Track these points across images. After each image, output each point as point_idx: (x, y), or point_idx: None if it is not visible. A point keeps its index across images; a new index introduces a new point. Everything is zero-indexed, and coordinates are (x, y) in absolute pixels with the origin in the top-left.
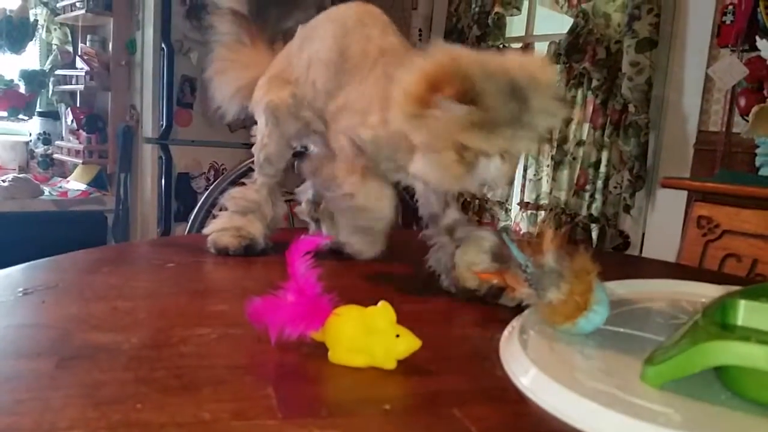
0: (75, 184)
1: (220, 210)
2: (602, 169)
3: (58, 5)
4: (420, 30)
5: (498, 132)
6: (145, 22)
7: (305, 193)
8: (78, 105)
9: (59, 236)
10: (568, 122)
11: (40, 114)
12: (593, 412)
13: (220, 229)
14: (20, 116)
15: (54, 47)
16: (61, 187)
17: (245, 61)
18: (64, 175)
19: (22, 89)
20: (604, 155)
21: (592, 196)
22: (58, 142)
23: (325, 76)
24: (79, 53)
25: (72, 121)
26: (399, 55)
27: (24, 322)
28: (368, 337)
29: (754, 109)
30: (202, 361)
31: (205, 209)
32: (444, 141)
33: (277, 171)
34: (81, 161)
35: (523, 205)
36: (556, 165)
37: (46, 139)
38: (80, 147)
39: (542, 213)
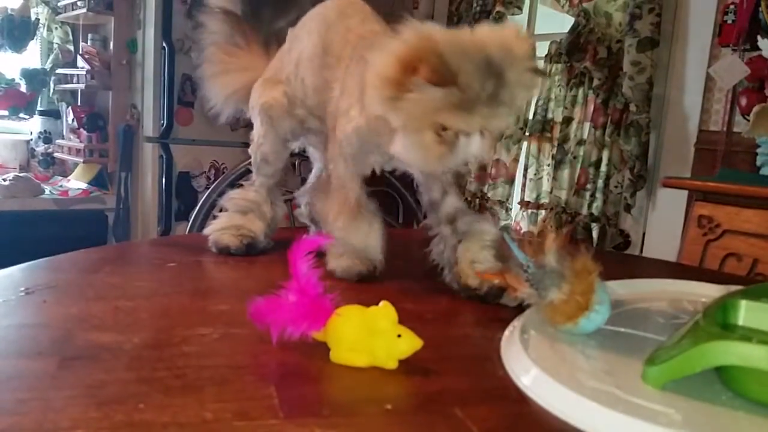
0: (76, 183)
1: (220, 211)
2: (603, 168)
3: (59, 4)
4: None
5: (476, 110)
6: (146, 21)
7: (304, 196)
8: (79, 104)
9: (60, 235)
10: (569, 121)
11: (41, 113)
12: (594, 412)
13: (220, 229)
14: (21, 115)
15: (55, 46)
16: (61, 186)
17: (241, 64)
18: (65, 174)
19: (23, 88)
20: (605, 154)
21: (592, 195)
22: (58, 141)
23: (311, 73)
24: (80, 52)
25: (73, 120)
26: (367, 42)
27: (25, 321)
28: (370, 337)
29: (755, 109)
30: (204, 360)
31: (205, 209)
32: (423, 122)
33: (275, 171)
34: (82, 160)
35: (524, 204)
36: (557, 164)
37: (46, 137)
38: (81, 146)
39: (543, 212)
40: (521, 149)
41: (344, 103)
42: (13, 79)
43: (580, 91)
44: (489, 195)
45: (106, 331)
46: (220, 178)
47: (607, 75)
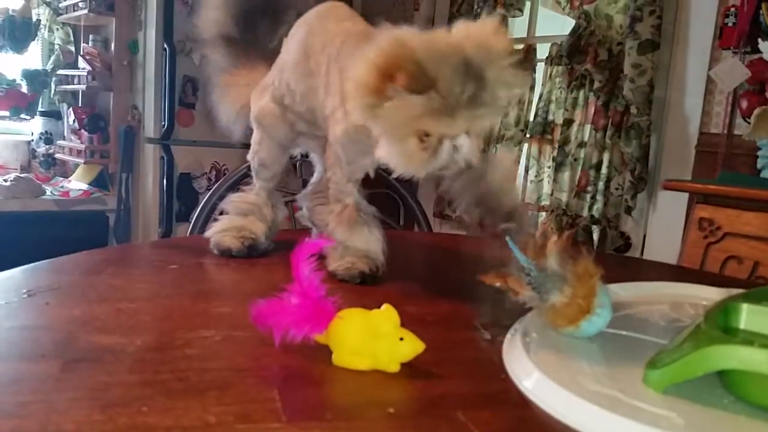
0: (76, 183)
1: (221, 214)
2: (603, 170)
3: (60, 5)
4: None
5: (458, 114)
6: (147, 23)
7: (306, 199)
8: (80, 105)
9: (60, 236)
10: (569, 123)
11: (42, 114)
12: (596, 415)
13: (221, 231)
14: (22, 116)
15: (56, 47)
16: (62, 186)
17: (244, 81)
18: (66, 175)
19: (25, 89)
20: (606, 157)
21: (593, 197)
22: (59, 142)
23: (296, 79)
24: (82, 53)
25: (74, 120)
26: (352, 41)
27: (28, 323)
28: (372, 340)
29: (756, 111)
30: (206, 363)
31: (206, 210)
32: (404, 130)
33: (274, 174)
34: (83, 161)
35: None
36: (558, 166)
37: (48, 138)
38: (82, 147)
39: (543, 214)
40: (522, 151)
41: (329, 105)
42: (15, 80)
43: (581, 93)
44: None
45: (108, 334)
46: (221, 180)
47: (607, 77)
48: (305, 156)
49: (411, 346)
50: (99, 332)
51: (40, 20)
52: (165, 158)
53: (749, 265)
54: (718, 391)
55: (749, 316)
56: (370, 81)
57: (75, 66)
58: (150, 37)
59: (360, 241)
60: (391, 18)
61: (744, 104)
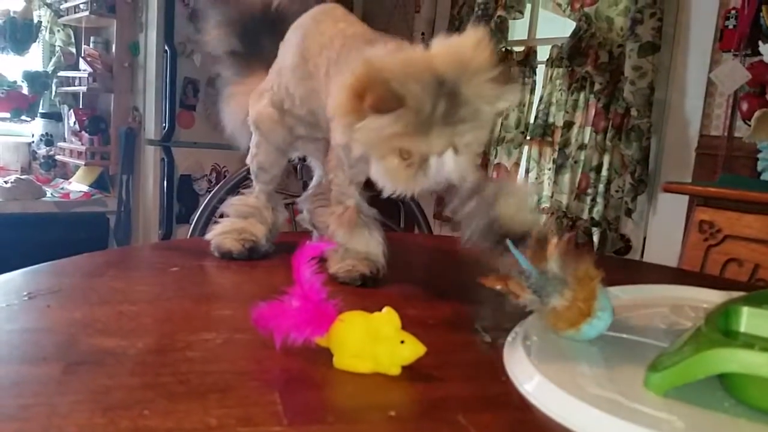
0: (77, 185)
1: (221, 217)
2: (604, 172)
3: (61, 7)
4: (423, 33)
5: (434, 131)
6: (148, 24)
7: (306, 202)
8: (81, 106)
9: (61, 238)
10: (570, 126)
11: (43, 115)
12: (597, 418)
13: (222, 233)
14: (23, 117)
15: (57, 49)
16: (63, 188)
17: (248, 90)
18: (66, 177)
19: (25, 90)
20: (606, 159)
21: (593, 199)
22: (60, 144)
23: (295, 83)
24: (82, 55)
25: (74, 122)
26: (351, 44)
27: (29, 326)
28: (373, 343)
29: (756, 114)
30: (207, 366)
31: (207, 213)
32: (381, 148)
33: (273, 177)
34: (83, 163)
35: None
36: (558, 168)
37: (48, 140)
38: (82, 148)
39: (544, 216)
40: (522, 153)
41: (330, 109)
42: (15, 82)
43: (582, 95)
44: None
45: (110, 336)
46: (222, 182)
47: (608, 79)
48: (304, 160)
49: (412, 349)
50: (100, 335)
51: (41, 22)
52: (165, 160)
53: (749, 267)
54: (719, 394)
55: (750, 319)
56: (346, 102)
57: (76, 68)
58: (151, 38)
59: (361, 244)
60: (393, 20)
61: (744, 106)
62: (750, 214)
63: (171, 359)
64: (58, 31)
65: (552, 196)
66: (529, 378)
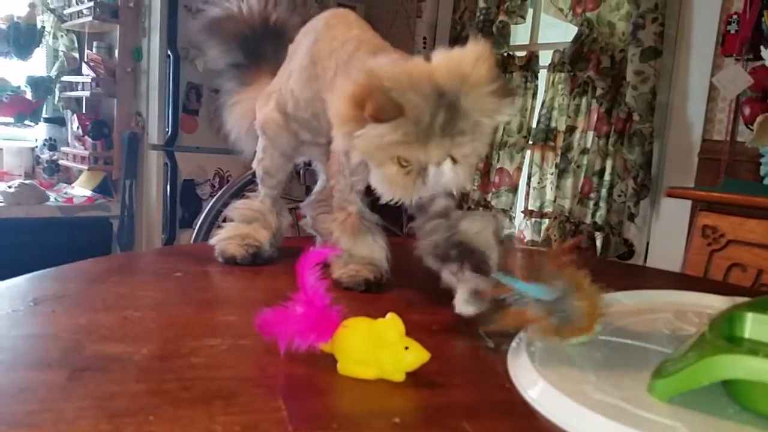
0: (80, 190)
1: (225, 221)
2: (606, 177)
3: (65, 12)
4: (424, 38)
5: (433, 142)
6: (151, 30)
7: (309, 207)
8: (84, 111)
9: (64, 242)
10: (572, 130)
11: (46, 120)
12: (601, 425)
13: (226, 238)
14: (26, 122)
15: (60, 54)
16: (66, 193)
17: (254, 96)
18: (70, 182)
19: (29, 95)
20: (609, 163)
21: (596, 204)
22: (63, 149)
23: (302, 85)
24: (86, 60)
25: (78, 127)
26: (364, 49)
27: (34, 332)
28: (377, 349)
29: (759, 119)
30: (212, 372)
31: (210, 217)
32: (379, 157)
33: (278, 182)
34: (86, 167)
35: (527, 213)
36: (561, 173)
37: (51, 145)
38: (86, 153)
39: (546, 221)
40: (524, 158)
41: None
42: (19, 87)
43: (584, 100)
44: (492, 203)
45: (114, 342)
46: (225, 187)
47: (610, 84)
48: (308, 164)
49: (416, 355)
50: (105, 341)
51: (44, 27)
52: (168, 165)
53: (753, 272)
54: (723, 400)
55: (754, 326)
56: (346, 111)
57: (79, 73)
58: (154, 44)
59: (364, 249)
60: (394, 25)
61: (747, 111)
62: (753, 218)
63: (175, 365)
64: (62, 36)
65: (555, 201)
66: (533, 384)
